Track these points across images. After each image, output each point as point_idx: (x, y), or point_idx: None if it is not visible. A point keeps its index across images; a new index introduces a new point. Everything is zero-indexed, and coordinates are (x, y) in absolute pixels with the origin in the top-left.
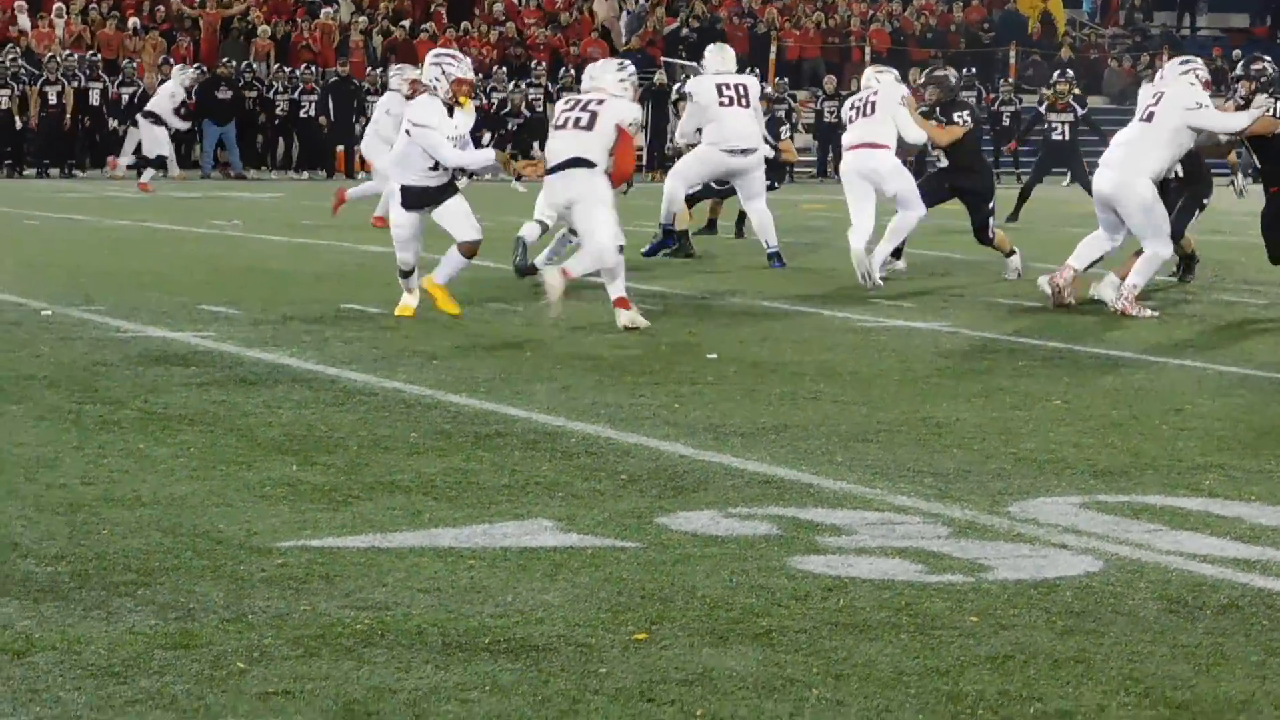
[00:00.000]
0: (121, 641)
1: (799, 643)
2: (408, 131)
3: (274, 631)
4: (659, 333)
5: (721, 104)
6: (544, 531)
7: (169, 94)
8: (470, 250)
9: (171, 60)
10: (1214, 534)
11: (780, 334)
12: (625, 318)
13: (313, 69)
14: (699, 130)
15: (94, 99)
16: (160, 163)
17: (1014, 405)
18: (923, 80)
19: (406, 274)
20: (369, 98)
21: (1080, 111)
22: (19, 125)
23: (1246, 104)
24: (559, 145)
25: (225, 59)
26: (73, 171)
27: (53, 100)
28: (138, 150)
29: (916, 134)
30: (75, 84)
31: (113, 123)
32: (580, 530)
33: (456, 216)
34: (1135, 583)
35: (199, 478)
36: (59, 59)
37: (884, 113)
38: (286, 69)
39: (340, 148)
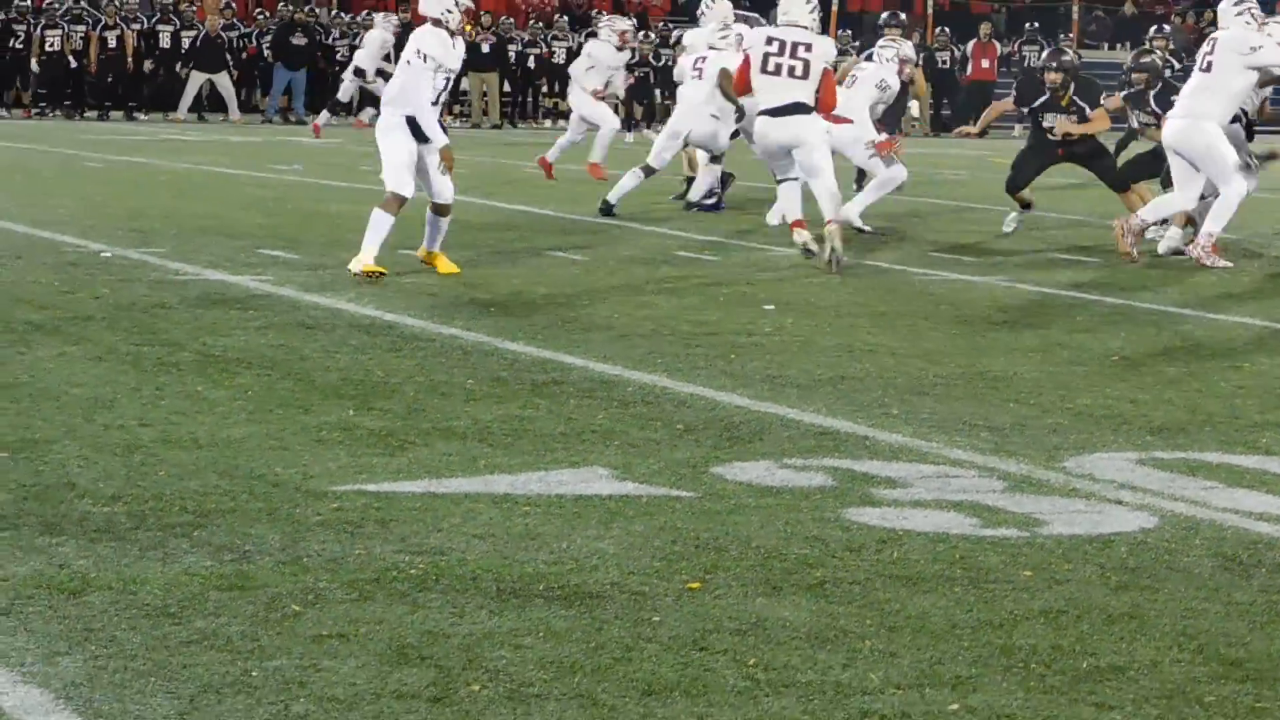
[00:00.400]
0: (177, 582)
1: (852, 594)
2: (409, 62)
3: (329, 575)
4: (717, 282)
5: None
6: (599, 479)
7: (379, 42)
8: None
9: (234, 5)
10: (1270, 492)
11: (838, 286)
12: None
13: (374, 15)
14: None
15: (164, 42)
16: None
17: (1071, 360)
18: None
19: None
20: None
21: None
22: (73, 65)
23: None
24: (774, 91)
25: (304, 5)
26: (134, 114)
27: (111, 44)
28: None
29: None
30: (136, 27)
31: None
32: (635, 479)
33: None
34: (1190, 539)
35: (256, 421)
36: (116, 3)
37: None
38: (346, 15)
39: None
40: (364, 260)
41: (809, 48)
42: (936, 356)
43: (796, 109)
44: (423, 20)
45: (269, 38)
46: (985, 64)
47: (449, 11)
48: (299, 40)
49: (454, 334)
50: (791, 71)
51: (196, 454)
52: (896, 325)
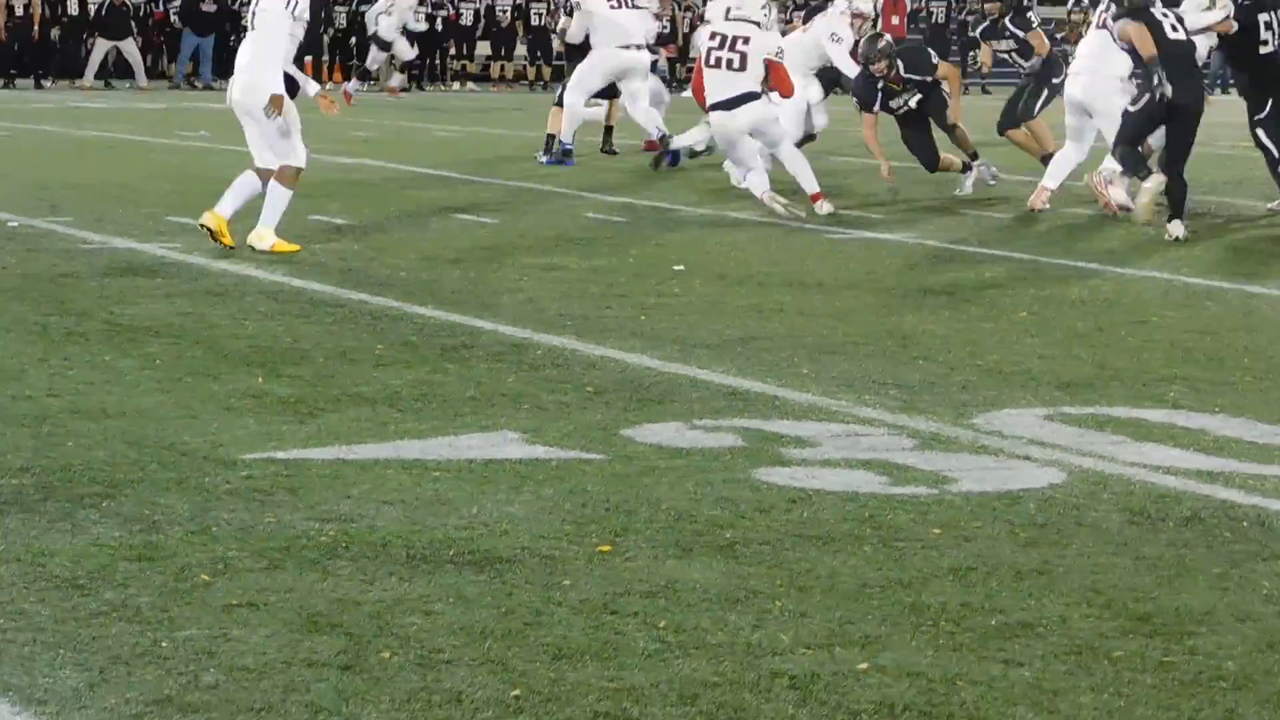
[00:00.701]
0: (86, 554)
1: (762, 555)
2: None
3: (238, 544)
4: (626, 243)
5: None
6: (509, 444)
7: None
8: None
9: None
10: (1178, 446)
11: (747, 245)
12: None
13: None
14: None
15: (71, 8)
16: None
17: (980, 317)
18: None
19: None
20: (338, 7)
21: None
22: None
23: None
24: (720, 85)
25: None
26: (41, 82)
27: (19, 11)
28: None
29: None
30: None
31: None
32: (545, 442)
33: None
34: (1099, 494)
35: (165, 390)
36: None
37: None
38: None
39: (308, 58)
40: (266, 237)
41: (747, 40)
42: (846, 315)
43: (745, 99)
44: None
45: (177, 3)
46: (895, 20)
47: None
48: (208, 7)
49: (362, 299)
50: (729, 64)
51: (105, 424)
52: (806, 285)
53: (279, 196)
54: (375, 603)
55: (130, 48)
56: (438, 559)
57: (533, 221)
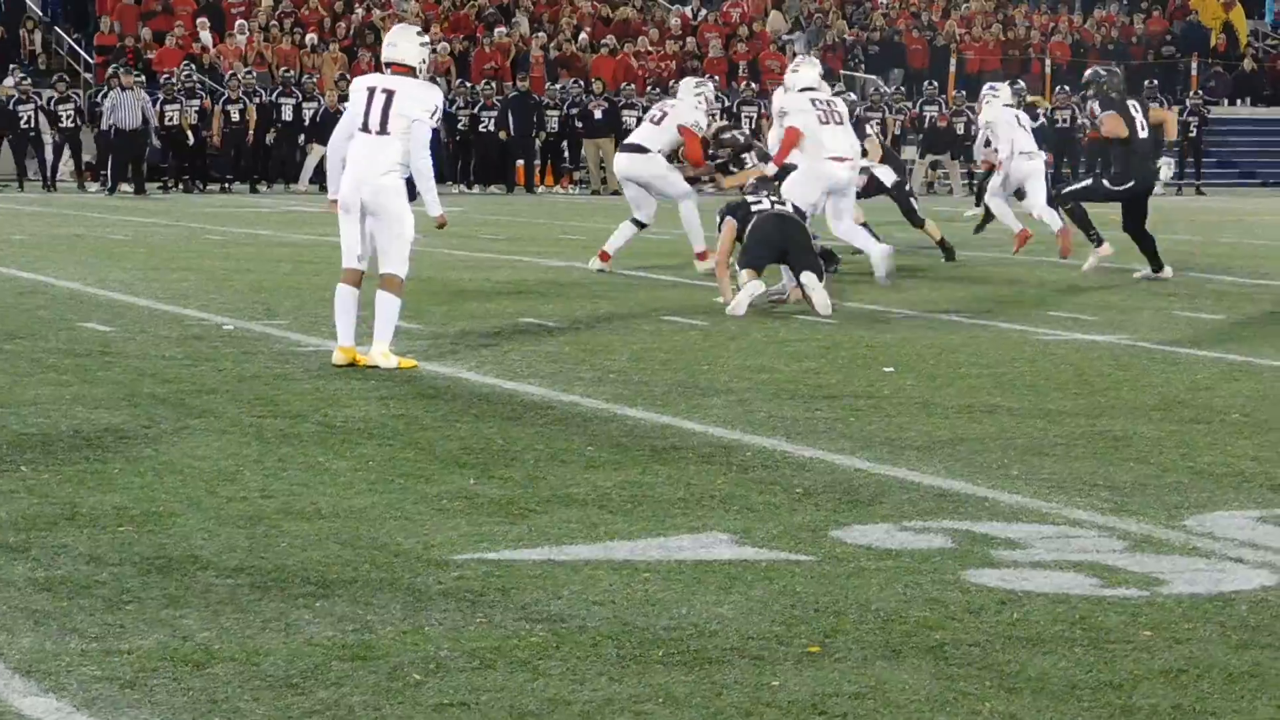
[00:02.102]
0: (300, 653)
1: (972, 656)
2: (416, 120)
3: (450, 643)
4: (835, 345)
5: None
6: (719, 544)
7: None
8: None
9: (349, 76)
10: None
11: (957, 346)
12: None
13: (492, 84)
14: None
15: (285, 114)
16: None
17: (1192, 418)
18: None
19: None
20: (548, 112)
21: None
22: (191, 141)
23: None
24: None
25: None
26: (257, 187)
27: (235, 117)
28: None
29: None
30: (257, 100)
31: (299, 139)
32: (755, 543)
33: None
34: None
35: (377, 490)
36: (240, 76)
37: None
38: (467, 84)
39: (520, 162)
40: (386, 352)
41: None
42: (1056, 416)
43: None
44: (403, 70)
45: None
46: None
47: (423, 63)
48: None
49: (573, 401)
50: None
51: (319, 524)
52: (1016, 385)
53: (393, 307)
54: (585, 703)
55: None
56: (647, 659)
57: (742, 323)
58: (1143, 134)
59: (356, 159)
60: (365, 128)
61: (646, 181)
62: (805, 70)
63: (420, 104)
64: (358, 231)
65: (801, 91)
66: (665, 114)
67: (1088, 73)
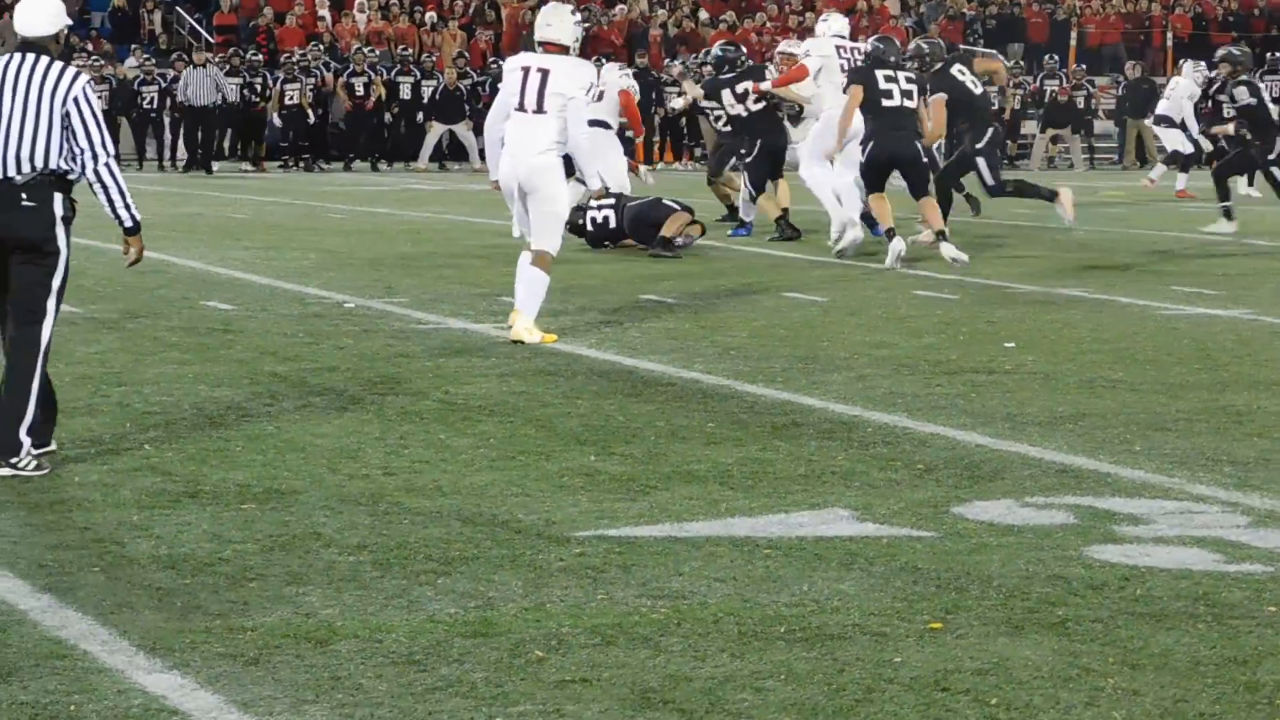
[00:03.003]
0: (422, 629)
1: (1094, 632)
2: (572, 98)
3: (571, 619)
4: (955, 321)
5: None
6: (840, 521)
7: (1186, 95)
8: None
9: (466, 54)
10: None
11: (1078, 322)
12: None
13: (609, 61)
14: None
15: (404, 93)
16: (1185, 162)
17: None
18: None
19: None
20: (667, 89)
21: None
22: (311, 119)
23: None
24: None
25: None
26: (377, 165)
27: (359, 90)
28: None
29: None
30: (382, 77)
31: (418, 117)
32: (876, 519)
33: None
34: None
35: (498, 468)
36: (364, 51)
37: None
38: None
39: (639, 139)
40: (531, 327)
41: None
42: (1178, 391)
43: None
44: (557, 49)
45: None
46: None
47: (577, 40)
48: None
49: (694, 377)
50: None
51: (440, 502)
52: (1138, 360)
53: (539, 282)
54: (707, 679)
55: (464, 131)
56: (769, 635)
57: (861, 299)
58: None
59: (513, 139)
60: (521, 107)
61: None
62: (834, 20)
63: (575, 82)
64: (522, 207)
65: (831, 38)
66: None
67: (1221, 52)
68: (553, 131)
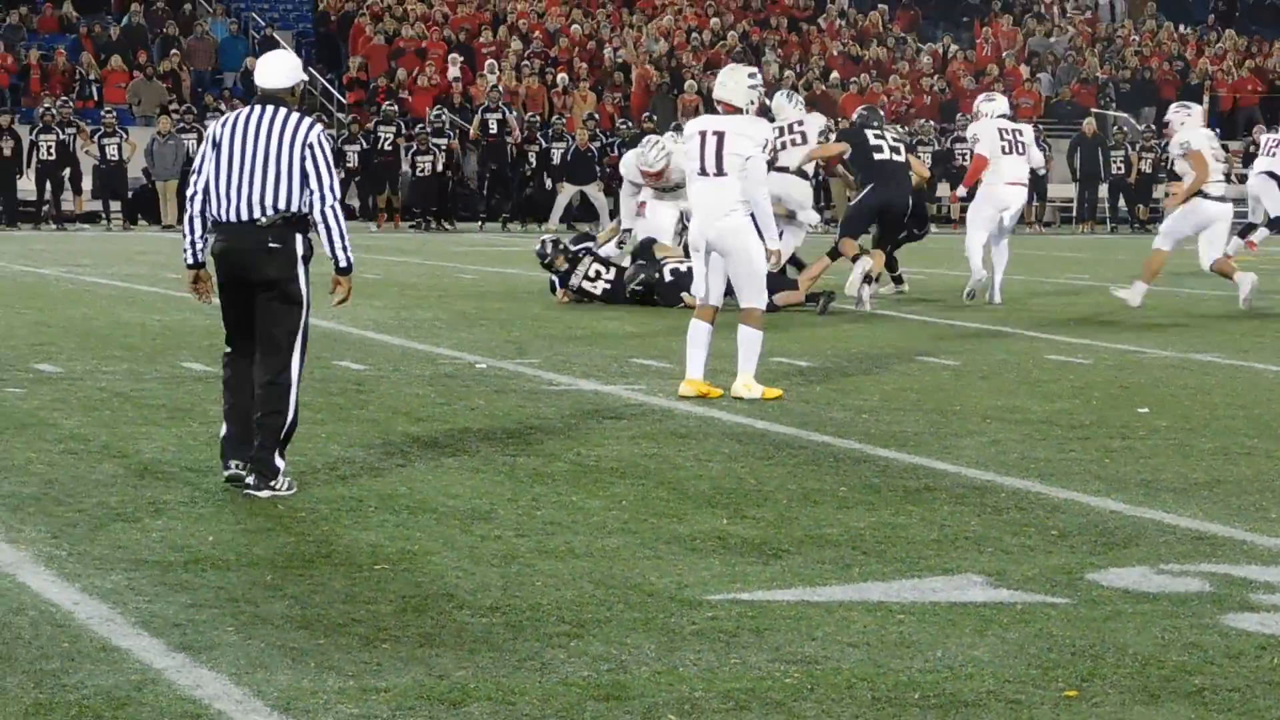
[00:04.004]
0: (554, 693)
1: (1232, 701)
2: (749, 157)
3: (704, 684)
4: (1088, 385)
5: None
6: (973, 586)
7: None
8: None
9: (596, 116)
10: None
11: (1213, 387)
12: None
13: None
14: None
15: (534, 156)
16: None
17: None
18: None
19: None
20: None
21: None
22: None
23: None
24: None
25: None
26: (508, 226)
27: (493, 128)
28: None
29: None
30: (511, 140)
31: (548, 181)
32: (1010, 585)
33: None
34: None
35: (630, 530)
36: (503, 105)
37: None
38: None
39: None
40: (750, 384)
41: None
42: None
43: None
44: (731, 110)
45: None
46: None
47: (751, 104)
48: None
49: (825, 441)
50: None
51: (572, 563)
52: (1274, 427)
53: (754, 340)
54: None
55: (594, 192)
56: (903, 701)
57: (994, 363)
58: None
59: (698, 204)
60: (703, 171)
61: None
62: (999, 101)
63: (751, 140)
64: (705, 269)
65: (995, 119)
66: None
67: None
68: (735, 191)
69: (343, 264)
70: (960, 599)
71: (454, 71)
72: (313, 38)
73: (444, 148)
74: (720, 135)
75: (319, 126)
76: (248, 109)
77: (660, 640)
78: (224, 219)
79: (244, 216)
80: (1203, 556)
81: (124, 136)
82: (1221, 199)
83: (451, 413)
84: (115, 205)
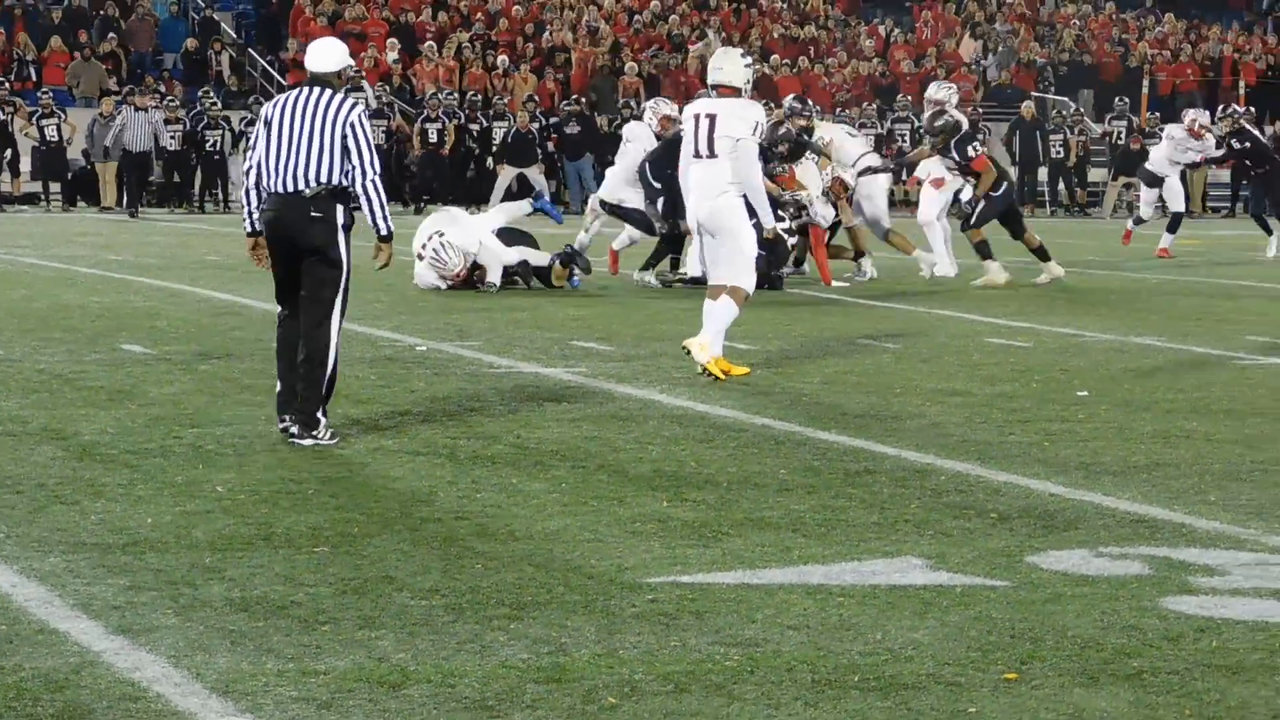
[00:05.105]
0: (494, 675)
1: (1171, 684)
2: (739, 139)
3: (645, 667)
4: (1029, 369)
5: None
6: (913, 569)
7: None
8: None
9: (536, 98)
10: None
11: (1153, 370)
12: None
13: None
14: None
15: (473, 137)
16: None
17: None
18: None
19: None
20: None
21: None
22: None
23: None
24: None
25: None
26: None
27: (433, 137)
28: None
29: None
30: (455, 121)
31: (488, 161)
32: (950, 568)
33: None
34: None
35: (571, 513)
36: (440, 97)
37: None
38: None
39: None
40: (707, 347)
41: None
42: (1255, 442)
43: None
44: (729, 92)
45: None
46: None
47: (748, 83)
48: (572, 130)
49: (766, 424)
50: None
51: (512, 546)
52: (1213, 411)
53: (729, 312)
54: None
55: (535, 174)
56: (843, 684)
57: (935, 346)
58: None
59: (694, 184)
60: (696, 153)
61: None
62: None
63: (743, 122)
64: (700, 248)
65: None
66: None
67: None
68: (726, 173)
69: (383, 231)
70: (900, 582)
71: (393, 55)
72: (253, 19)
73: (385, 129)
74: (713, 118)
75: (360, 106)
76: (297, 90)
77: (600, 623)
78: (274, 190)
79: (290, 188)
80: (1142, 539)
81: (62, 118)
82: None
83: (392, 395)
84: (55, 187)
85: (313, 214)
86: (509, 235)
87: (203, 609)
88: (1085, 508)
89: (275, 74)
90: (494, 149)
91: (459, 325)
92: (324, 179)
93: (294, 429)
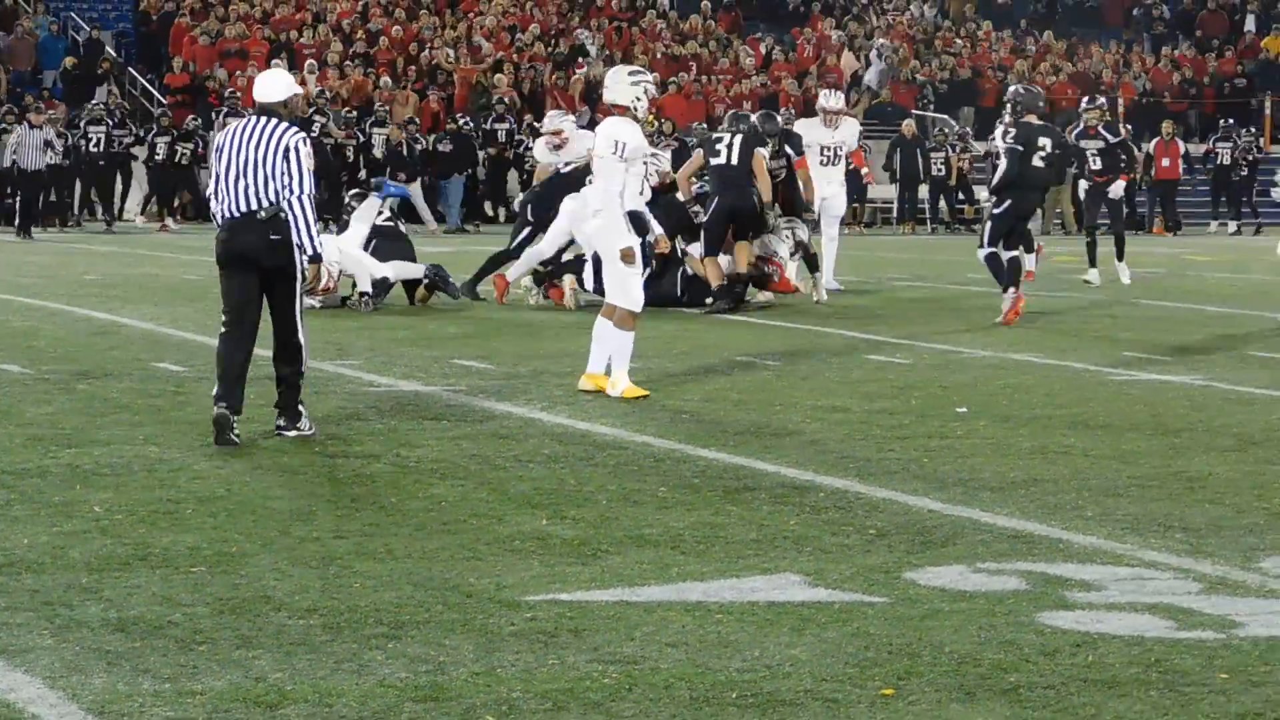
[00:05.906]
0: (372, 694)
1: (1048, 699)
2: (602, 157)
3: (523, 684)
4: (908, 386)
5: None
6: (792, 586)
7: None
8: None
9: (417, 120)
10: None
11: (1031, 386)
12: None
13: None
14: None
15: (348, 154)
16: None
17: (1268, 459)
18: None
19: None
20: None
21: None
22: None
23: None
24: None
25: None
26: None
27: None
28: None
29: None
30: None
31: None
32: (828, 585)
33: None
34: None
35: (450, 531)
36: (326, 110)
37: None
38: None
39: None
40: (625, 383)
41: None
42: (1131, 457)
43: None
44: (618, 110)
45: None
46: (1166, 162)
47: (638, 100)
48: (445, 148)
49: (646, 441)
50: None
51: (391, 565)
52: (1091, 426)
53: (621, 339)
54: None
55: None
56: (721, 700)
57: (815, 363)
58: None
59: (590, 201)
60: (589, 173)
61: None
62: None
63: (605, 140)
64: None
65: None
66: None
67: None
68: (600, 193)
69: (310, 251)
70: (779, 598)
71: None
72: (133, 38)
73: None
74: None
75: (301, 134)
76: (247, 120)
77: (479, 641)
78: (227, 213)
79: (242, 209)
80: (1019, 555)
81: None
82: None
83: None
84: None
85: (272, 236)
86: (385, 248)
87: (79, 629)
88: (963, 523)
89: (155, 92)
90: (373, 159)
91: (338, 343)
92: (271, 200)
93: (280, 421)
